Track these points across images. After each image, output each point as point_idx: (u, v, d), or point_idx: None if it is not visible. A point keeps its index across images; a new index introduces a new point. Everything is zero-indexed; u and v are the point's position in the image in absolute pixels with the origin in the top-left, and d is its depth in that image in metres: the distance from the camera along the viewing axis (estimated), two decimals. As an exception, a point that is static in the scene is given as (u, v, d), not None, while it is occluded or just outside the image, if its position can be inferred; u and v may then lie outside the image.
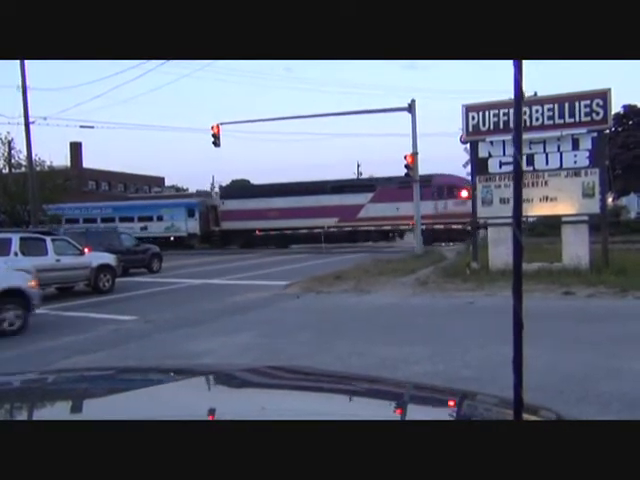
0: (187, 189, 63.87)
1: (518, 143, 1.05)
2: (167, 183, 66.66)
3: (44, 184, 32.28)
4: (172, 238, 39.45)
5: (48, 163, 37.31)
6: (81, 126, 31.47)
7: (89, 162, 56.37)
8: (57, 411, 1.56)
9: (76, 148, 54.21)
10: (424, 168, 25.93)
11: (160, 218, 40.45)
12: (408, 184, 25.84)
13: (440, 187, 32.60)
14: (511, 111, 11.76)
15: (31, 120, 24.69)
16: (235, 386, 1.90)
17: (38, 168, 32.96)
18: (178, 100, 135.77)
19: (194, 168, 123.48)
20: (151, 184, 62.50)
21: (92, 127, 32.18)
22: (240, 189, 39.88)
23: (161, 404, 1.52)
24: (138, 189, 60.04)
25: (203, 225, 39.79)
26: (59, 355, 7.73)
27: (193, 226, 39.74)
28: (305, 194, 35.73)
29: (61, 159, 51.95)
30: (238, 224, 37.53)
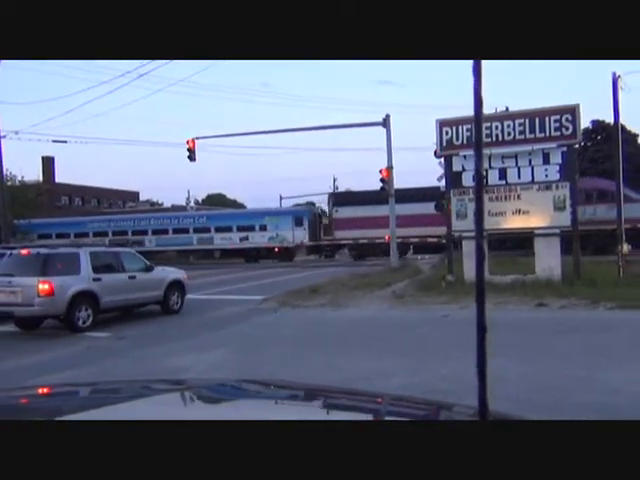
0: (162, 203, 63.47)
1: (479, 154, 1.07)
2: (142, 198, 66.15)
3: (16, 199, 31.81)
4: (276, 249, 36.40)
5: (19, 178, 36.85)
6: (54, 140, 31.14)
7: (62, 177, 55.60)
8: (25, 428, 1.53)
9: (48, 163, 53.43)
10: (400, 181, 26.19)
11: (263, 228, 37.03)
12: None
13: (588, 191, 29.34)
14: (485, 125, 12.03)
15: (2, 134, 24.34)
16: (210, 400, 1.89)
17: (9, 183, 32.46)
18: (152, 115, 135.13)
19: (169, 183, 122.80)
20: (125, 199, 61.90)
21: (65, 142, 31.87)
22: (356, 195, 35.43)
23: (135, 419, 1.50)
24: (112, 204, 59.40)
25: (312, 235, 36.41)
26: (29, 374, 7.53)
27: (301, 236, 36.30)
28: (430, 200, 31.49)
29: (33, 174, 50.98)
30: (353, 233, 33.94)
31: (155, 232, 38.90)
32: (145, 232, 39.16)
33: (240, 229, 37.48)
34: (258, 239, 36.85)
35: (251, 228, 37.25)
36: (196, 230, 38.33)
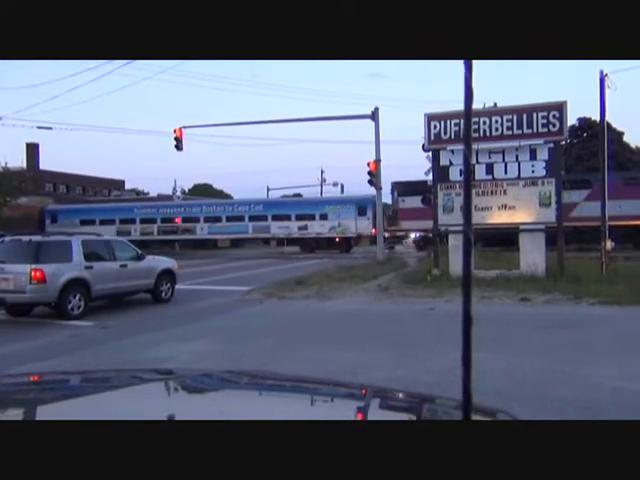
0: (148, 193, 62.99)
1: (468, 148, 1.08)
2: (127, 187, 65.62)
3: (-1, 185, 31.45)
4: (337, 239, 34.65)
5: (3, 164, 36.42)
6: (38, 127, 30.73)
7: (47, 164, 54.92)
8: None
9: (32, 149, 52.76)
10: (388, 175, 26.16)
11: (324, 217, 35.41)
12: (636, 180, 24.30)
13: None
14: (473, 120, 11.98)
15: (-15, 119, 23.93)
16: (194, 391, 1.88)
17: (-8, 169, 32.07)
18: (139, 103, 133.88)
19: (155, 172, 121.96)
20: (110, 187, 61.37)
21: (50, 128, 31.51)
22: (425, 184, 32.22)
23: (119, 409, 1.49)
24: (97, 192, 58.83)
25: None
26: (10, 363, 7.46)
27: (365, 226, 34.36)
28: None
29: (17, 161, 50.18)
30: (420, 224, 30.86)
31: (208, 220, 37.71)
32: (197, 219, 38.00)
33: (299, 218, 36.04)
34: (318, 228, 35.39)
35: (311, 217, 35.62)
36: (252, 218, 36.98)
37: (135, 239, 38.65)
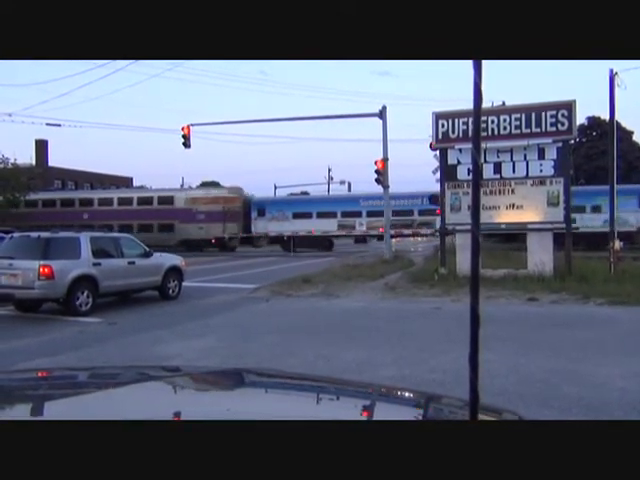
0: (156, 190, 62.99)
1: (477, 142, 1.08)
2: (135, 184, 65.75)
3: (9, 182, 31.67)
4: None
5: (12, 161, 36.63)
6: (47, 124, 30.89)
7: (55, 161, 55.14)
8: (10, 412, 1.53)
9: (42, 146, 52.97)
10: (394, 174, 26.04)
11: (597, 209, 29.19)
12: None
13: None
14: (481, 119, 11.84)
15: (-5, 116, 24.06)
16: (200, 388, 1.89)
17: (1, 166, 32.30)
18: (147, 100, 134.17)
19: (162, 169, 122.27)
20: (119, 184, 61.52)
21: (59, 125, 31.65)
22: None
23: (126, 405, 1.50)
24: (105, 189, 59.02)
25: None
26: (18, 358, 7.52)
27: None
28: None
29: (26, 157, 50.43)
30: None
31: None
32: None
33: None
34: (587, 222, 28.82)
35: (580, 209, 28.73)
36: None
37: (360, 234, 36.14)
